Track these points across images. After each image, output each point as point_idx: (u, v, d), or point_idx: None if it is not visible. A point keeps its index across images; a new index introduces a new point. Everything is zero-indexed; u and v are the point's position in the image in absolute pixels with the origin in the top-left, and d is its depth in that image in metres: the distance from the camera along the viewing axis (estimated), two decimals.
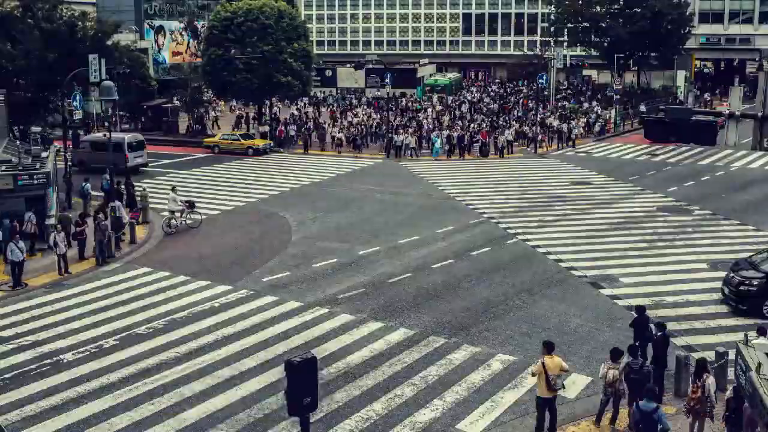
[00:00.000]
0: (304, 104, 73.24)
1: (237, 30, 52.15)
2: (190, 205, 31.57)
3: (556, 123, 55.47)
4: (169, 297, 22.78)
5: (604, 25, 74.34)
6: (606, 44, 74.77)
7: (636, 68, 79.43)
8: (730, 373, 14.97)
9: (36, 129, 34.72)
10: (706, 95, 75.25)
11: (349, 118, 60.77)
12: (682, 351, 17.63)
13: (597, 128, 57.49)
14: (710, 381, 14.12)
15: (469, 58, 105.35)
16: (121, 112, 57.89)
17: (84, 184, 34.20)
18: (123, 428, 15.26)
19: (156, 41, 67.92)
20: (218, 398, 16.39)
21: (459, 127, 53.79)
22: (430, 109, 66.12)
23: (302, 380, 13.38)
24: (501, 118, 60.97)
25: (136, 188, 34.76)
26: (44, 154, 31.08)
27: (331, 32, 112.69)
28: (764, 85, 18.63)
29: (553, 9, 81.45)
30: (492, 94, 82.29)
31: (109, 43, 45.31)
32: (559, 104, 69.11)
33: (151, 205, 33.88)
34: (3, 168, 28.35)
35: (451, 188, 38.46)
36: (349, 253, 27.00)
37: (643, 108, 61.85)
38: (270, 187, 39.29)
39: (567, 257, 26.24)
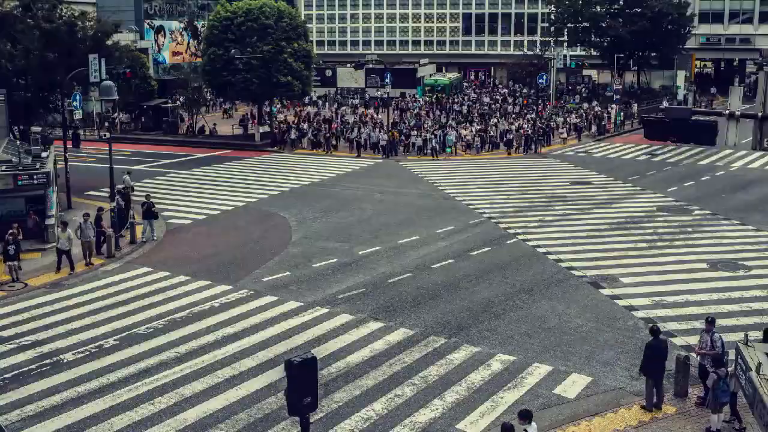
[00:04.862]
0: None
1: (237, 30, 52.13)
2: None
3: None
4: (169, 297, 22.78)
5: (604, 25, 74.31)
6: (606, 44, 74.75)
7: (636, 68, 79.40)
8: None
9: (36, 129, 34.70)
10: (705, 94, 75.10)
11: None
12: (682, 351, 17.63)
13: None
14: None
15: (469, 58, 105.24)
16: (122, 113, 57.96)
17: None
18: (123, 428, 15.27)
19: (156, 41, 67.79)
20: (218, 398, 16.40)
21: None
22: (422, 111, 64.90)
23: (302, 380, 13.39)
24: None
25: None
26: (44, 154, 31.09)
27: (331, 32, 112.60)
28: (764, 85, 18.60)
29: (553, 9, 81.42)
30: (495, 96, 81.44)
31: (109, 43, 45.28)
32: (560, 103, 69.07)
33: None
34: (3, 168, 28.35)
35: (451, 188, 38.44)
36: (349, 253, 27.00)
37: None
38: (270, 187, 39.28)
39: (567, 257, 26.24)
